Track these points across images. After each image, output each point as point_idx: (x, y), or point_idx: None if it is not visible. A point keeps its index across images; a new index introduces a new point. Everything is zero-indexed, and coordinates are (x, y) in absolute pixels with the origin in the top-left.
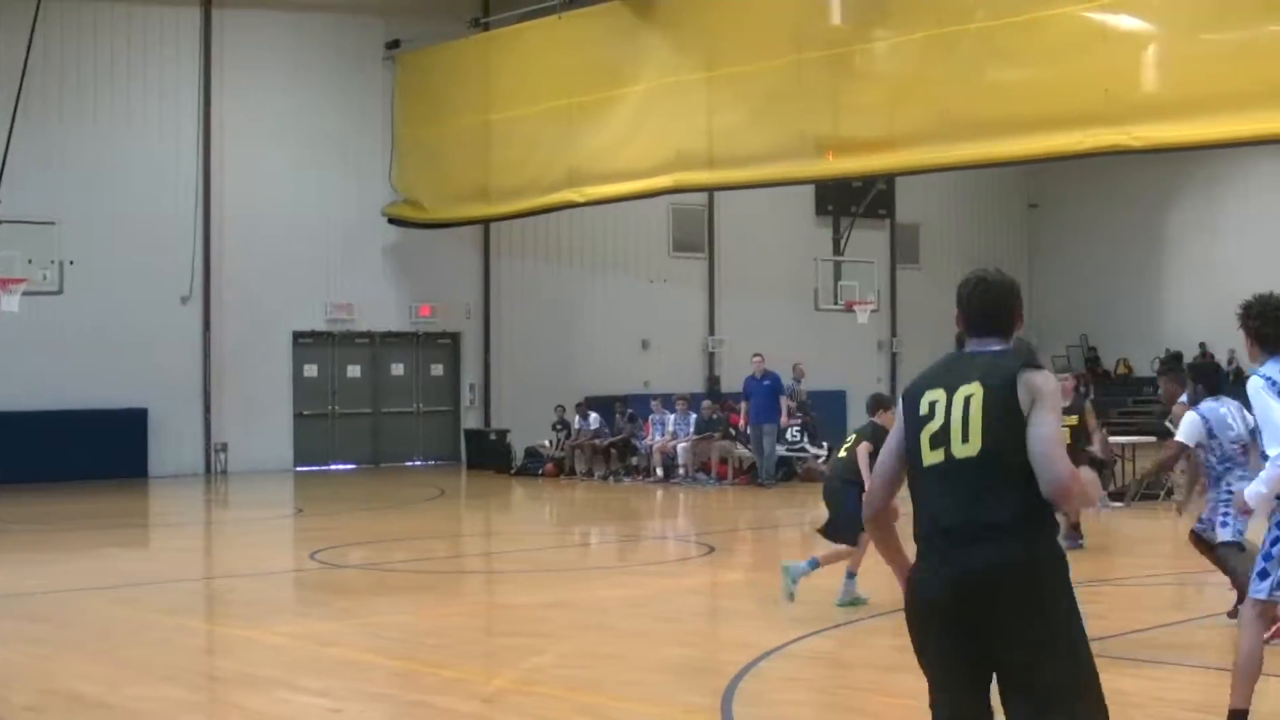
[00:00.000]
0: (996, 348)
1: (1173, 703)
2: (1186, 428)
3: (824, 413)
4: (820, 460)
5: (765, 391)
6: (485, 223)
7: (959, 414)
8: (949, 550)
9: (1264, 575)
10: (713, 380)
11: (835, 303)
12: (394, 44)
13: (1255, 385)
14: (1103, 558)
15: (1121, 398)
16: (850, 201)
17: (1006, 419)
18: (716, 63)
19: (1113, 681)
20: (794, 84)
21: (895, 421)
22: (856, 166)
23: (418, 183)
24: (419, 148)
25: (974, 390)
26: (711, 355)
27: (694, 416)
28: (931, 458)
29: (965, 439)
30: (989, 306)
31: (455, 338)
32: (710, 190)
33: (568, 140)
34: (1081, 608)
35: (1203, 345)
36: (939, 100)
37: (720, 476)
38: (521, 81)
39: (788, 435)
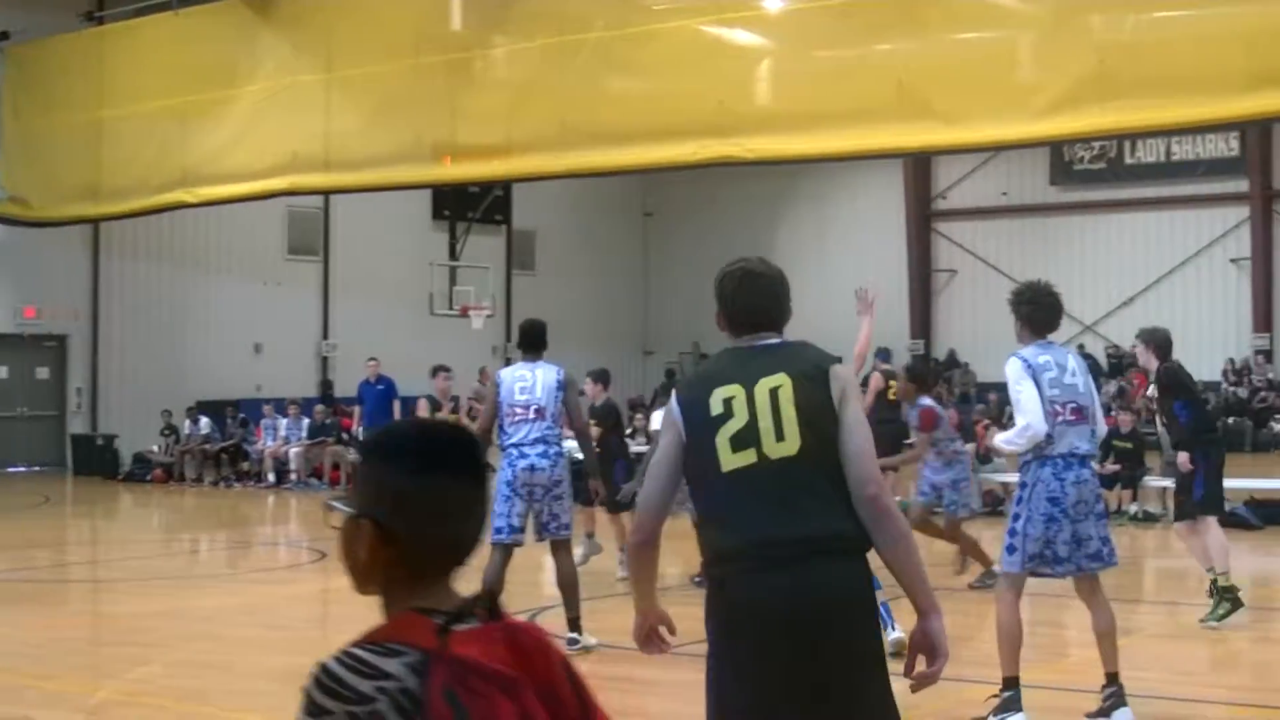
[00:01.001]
0: (779, 340)
1: None
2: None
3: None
4: None
5: (379, 396)
6: (95, 222)
7: (767, 408)
8: (782, 565)
9: (1011, 550)
10: (326, 385)
11: (451, 308)
12: (3, 36)
13: (1016, 365)
14: None
15: None
16: (467, 207)
17: (824, 412)
18: (335, 64)
19: None
20: (412, 88)
21: (667, 430)
22: (474, 172)
23: (25, 180)
24: (27, 144)
25: (781, 381)
26: (325, 359)
27: (306, 421)
28: (735, 460)
29: (780, 436)
30: (760, 299)
31: (62, 340)
32: (326, 193)
33: (181, 140)
34: None
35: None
36: (557, 108)
37: (333, 482)
38: (135, 78)
39: None
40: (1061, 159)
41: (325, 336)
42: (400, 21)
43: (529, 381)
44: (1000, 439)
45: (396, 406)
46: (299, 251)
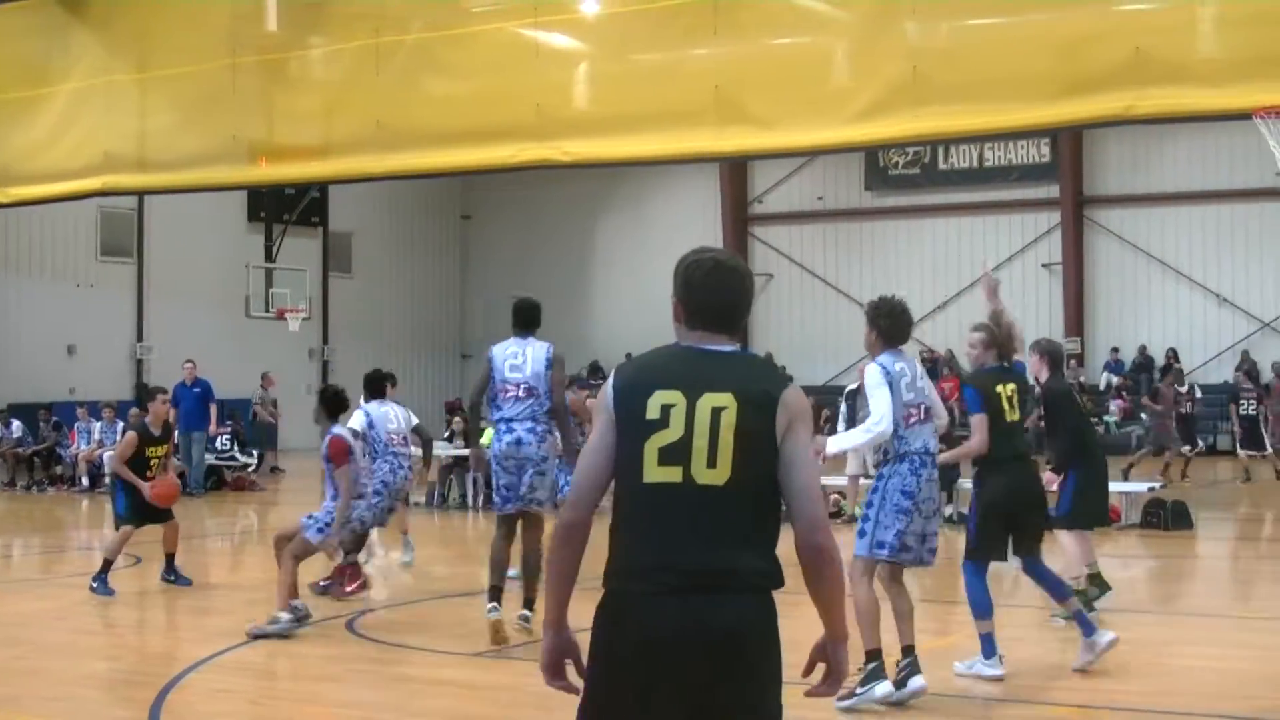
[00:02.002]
0: (732, 348)
1: None
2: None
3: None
4: (250, 469)
5: (196, 399)
6: None
7: (705, 428)
8: (686, 596)
9: (862, 534)
10: (141, 387)
11: (267, 310)
12: None
13: (876, 372)
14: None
15: None
16: (283, 209)
17: (764, 445)
18: (150, 64)
19: None
20: (228, 88)
21: (600, 415)
22: (290, 174)
23: None
24: None
25: (726, 403)
26: (140, 362)
27: (121, 424)
28: (659, 474)
29: (712, 463)
30: (726, 294)
31: None
32: (140, 194)
33: None
34: None
35: (628, 355)
36: (374, 110)
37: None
38: None
39: (217, 444)
40: (876, 164)
41: (140, 339)
42: (216, 22)
43: (520, 360)
44: (841, 440)
45: (214, 410)
46: (112, 253)
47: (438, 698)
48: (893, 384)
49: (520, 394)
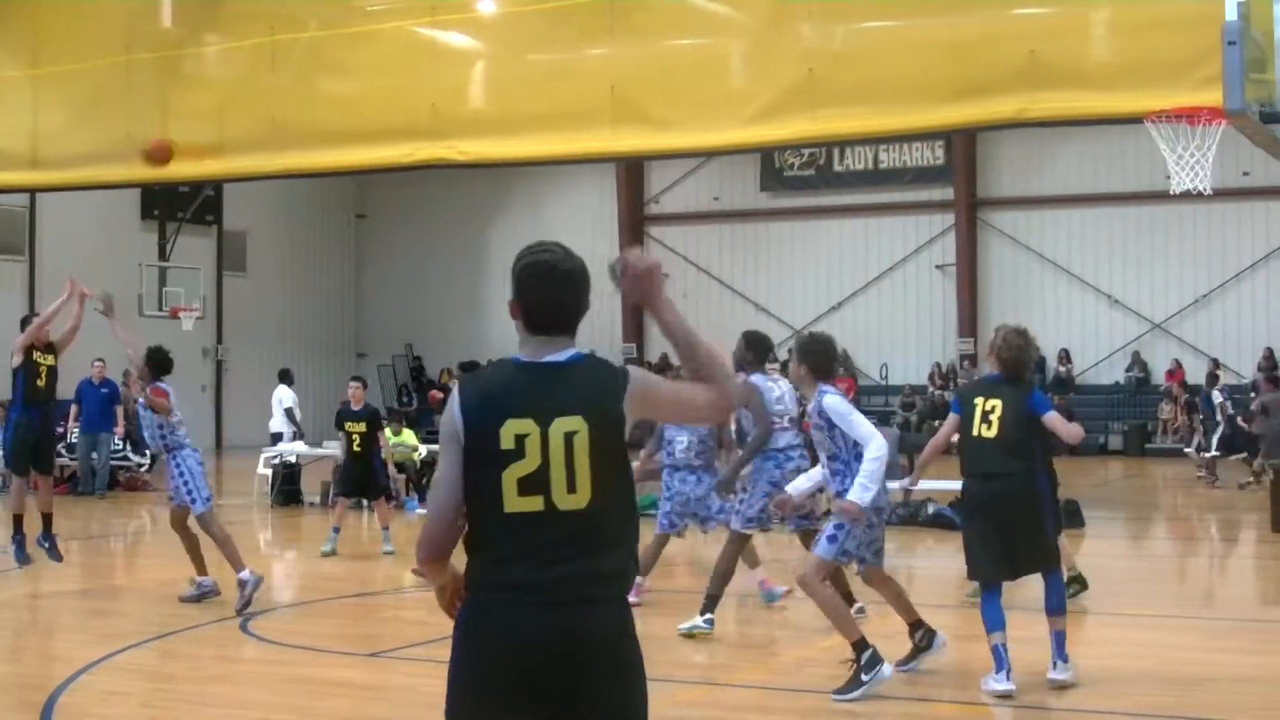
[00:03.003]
0: (571, 353)
1: None
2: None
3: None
4: (144, 469)
5: (103, 399)
6: None
7: (561, 456)
8: (543, 610)
9: (832, 539)
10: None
11: (160, 309)
12: None
13: (838, 400)
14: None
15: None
16: (178, 207)
17: (618, 462)
18: (42, 60)
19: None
20: (122, 86)
21: (450, 444)
22: (184, 172)
23: None
24: None
25: (577, 426)
26: None
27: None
28: (521, 504)
29: (572, 488)
30: (565, 293)
31: None
32: (33, 191)
33: None
34: None
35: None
36: (270, 108)
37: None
38: None
39: (111, 444)
40: (772, 165)
41: None
42: (110, 18)
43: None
44: (867, 486)
45: (119, 411)
46: (3, 250)
47: (334, 698)
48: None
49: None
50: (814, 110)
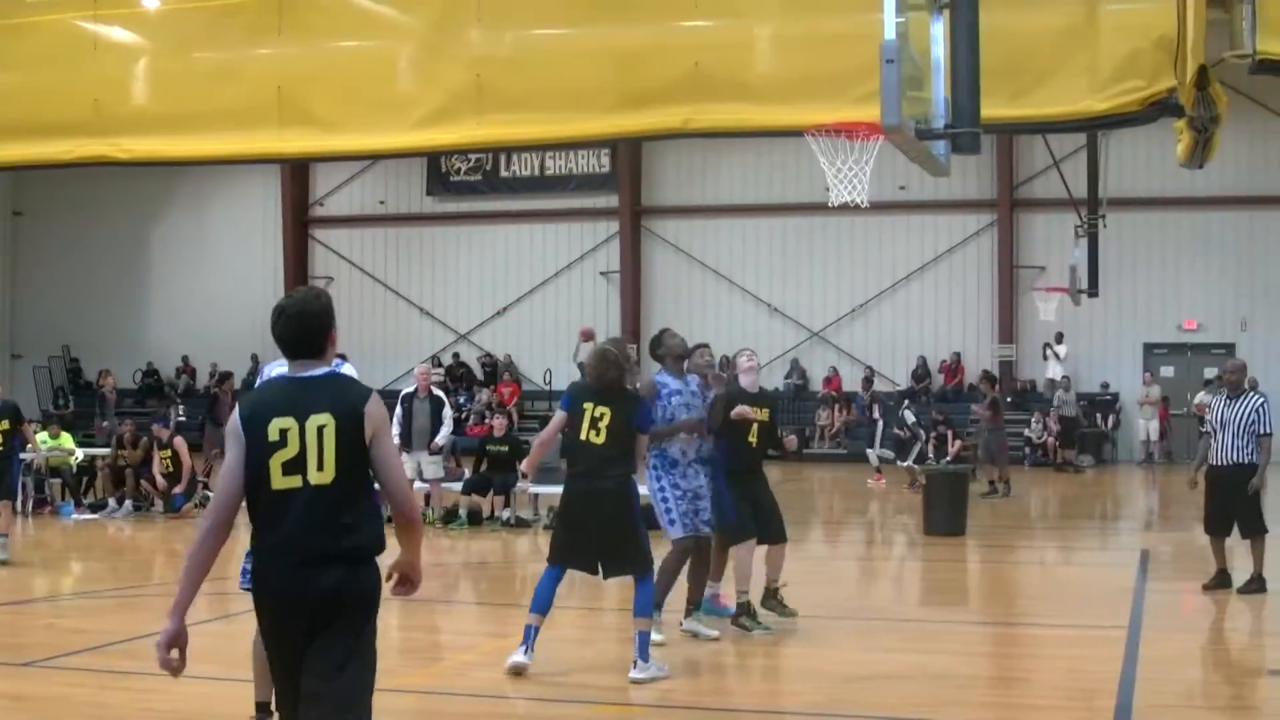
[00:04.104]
0: (324, 370)
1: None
2: None
3: None
4: None
5: None
6: None
7: (314, 443)
8: (297, 569)
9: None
10: None
11: None
12: None
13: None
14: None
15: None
16: None
17: (356, 450)
18: None
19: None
20: None
21: (233, 441)
22: None
23: None
24: None
25: (326, 421)
26: None
27: None
28: (284, 482)
29: (321, 466)
30: (300, 333)
31: None
32: None
33: None
34: None
35: (184, 358)
36: None
37: None
38: None
39: None
40: (439, 170)
41: None
42: None
43: None
44: None
45: None
46: None
47: None
48: None
49: None
50: (481, 115)
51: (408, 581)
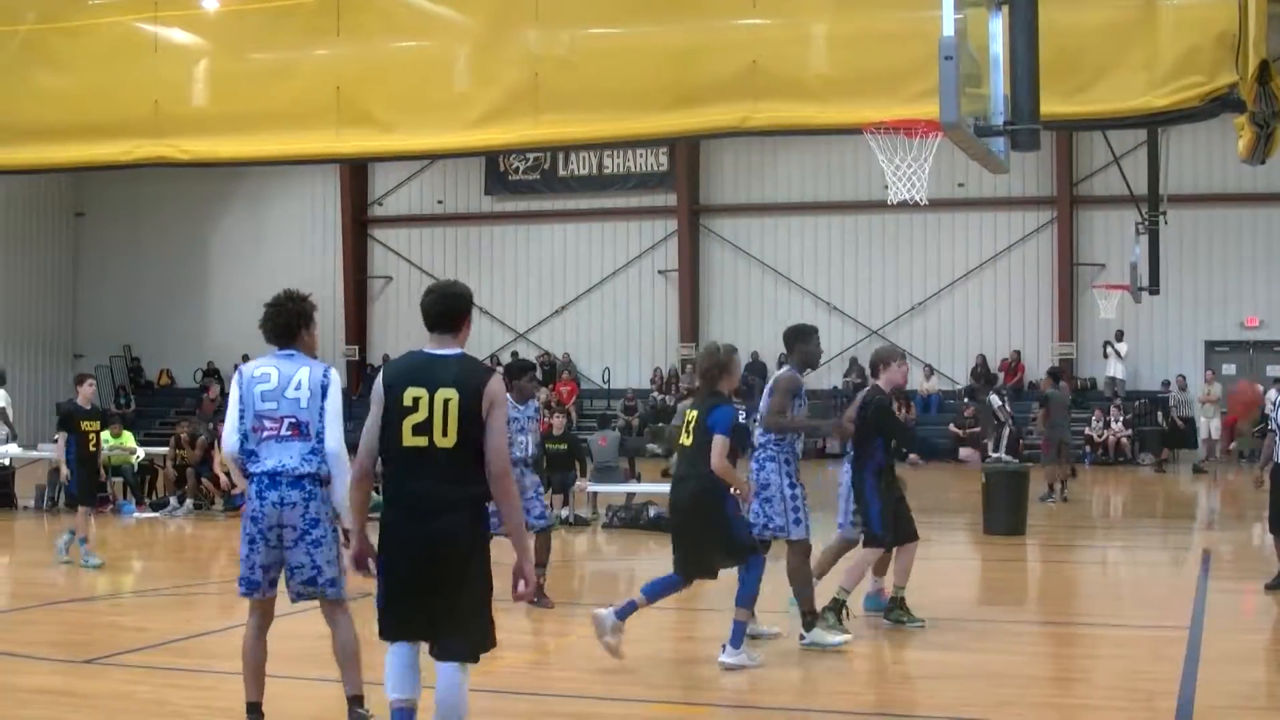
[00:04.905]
0: (455, 351)
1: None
2: None
3: None
4: None
5: None
6: None
7: (440, 412)
8: (416, 516)
9: None
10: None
11: None
12: None
13: None
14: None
15: (164, 408)
16: None
17: (475, 421)
18: None
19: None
20: None
21: (376, 401)
22: None
23: None
24: None
25: (451, 395)
26: None
27: None
28: (413, 441)
29: (445, 433)
30: (443, 311)
31: None
32: None
33: None
34: None
35: (245, 356)
36: None
37: None
38: None
39: None
40: (497, 169)
41: None
42: None
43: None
44: None
45: None
46: None
47: (40, 706)
48: None
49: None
50: (538, 115)
51: (522, 581)
